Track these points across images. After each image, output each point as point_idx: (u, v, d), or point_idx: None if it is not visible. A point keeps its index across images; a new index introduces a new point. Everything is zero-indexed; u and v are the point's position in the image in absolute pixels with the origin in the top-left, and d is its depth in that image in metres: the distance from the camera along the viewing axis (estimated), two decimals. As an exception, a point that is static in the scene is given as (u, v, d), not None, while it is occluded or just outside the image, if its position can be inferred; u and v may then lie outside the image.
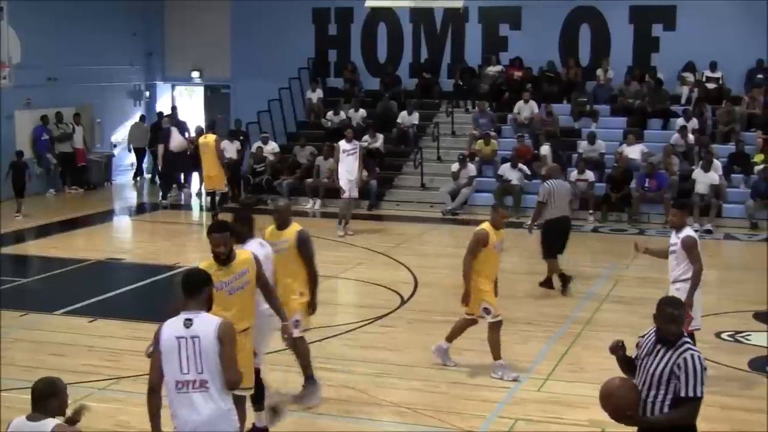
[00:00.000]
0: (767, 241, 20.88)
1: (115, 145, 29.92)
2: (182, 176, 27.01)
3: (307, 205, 24.43)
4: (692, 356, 6.25)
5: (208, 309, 6.47)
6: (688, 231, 10.81)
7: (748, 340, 12.92)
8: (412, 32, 29.56)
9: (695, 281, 10.56)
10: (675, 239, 10.77)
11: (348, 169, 20.65)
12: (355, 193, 21.00)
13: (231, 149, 25.53)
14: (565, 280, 15.36)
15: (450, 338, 11.55)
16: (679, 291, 10.40)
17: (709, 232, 21.58)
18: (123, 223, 24.44)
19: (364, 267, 17.58)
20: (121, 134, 29.96)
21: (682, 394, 6.20)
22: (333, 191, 23.04)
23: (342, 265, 17.32)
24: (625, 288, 15.81)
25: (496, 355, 11.09)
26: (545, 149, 24.34)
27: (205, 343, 6.23)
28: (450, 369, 11.31)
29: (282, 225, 10.04)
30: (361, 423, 9.69)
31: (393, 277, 16.69)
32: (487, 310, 11.14)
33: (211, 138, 21.87)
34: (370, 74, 29.75)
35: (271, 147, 26.26)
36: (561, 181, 16.52)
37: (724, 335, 13.00)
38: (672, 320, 6.37)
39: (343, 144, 20.93)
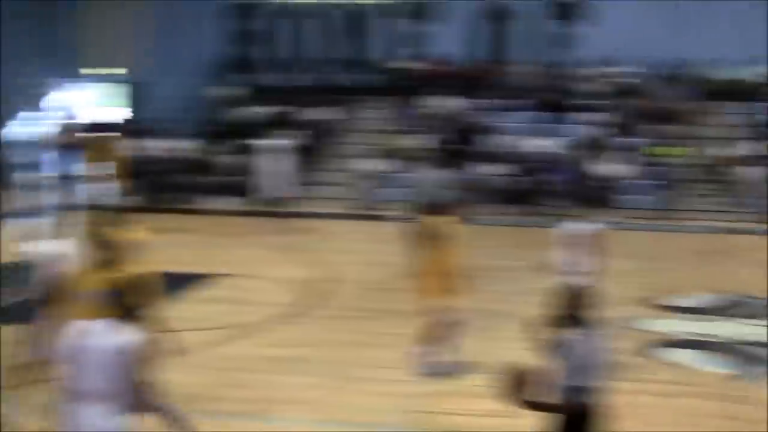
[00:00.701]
0: (668, 230, 21.42)
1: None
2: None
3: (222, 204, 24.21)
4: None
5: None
6: (585, 225, 11.38)
7: (644, 327, 13.34)
8: (337, 28, 29.77)
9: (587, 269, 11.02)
10: (573, 233, 11.33)
11: (274, 168, 20.50)
12: (289, 189, 20.93)
13: (152, 147, 25.35)
14: None
15: (434, 352, 11.04)
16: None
17: (615, 223, 22.00)
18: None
19: (278, 264, 17.59)
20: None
21: None
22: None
23: (253, 262, 17.31)
24: (536, 279, 16.14)
25: (434, 352, 10.96)
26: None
27: (119, 355, 6.00)
28: (365, 365, 11.38)
29: None
30: (271, 422, 9.66)
31: (304, 273, 16.61)
32: (437, 308, 10.84)
33: None
34: (297, 72, 29.71)
35: (189, 145, 26.05)
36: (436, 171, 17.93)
37: (622, 323, 13.32)
38: None
39: (271, 142, 20.46)
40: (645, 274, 17.01)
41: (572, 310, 6.71)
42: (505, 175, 23.89)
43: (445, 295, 10.76)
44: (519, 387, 6.66)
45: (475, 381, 10.73)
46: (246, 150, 25.49)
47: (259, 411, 9.94)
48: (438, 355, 10.89)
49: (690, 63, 26.95)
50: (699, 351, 12.20)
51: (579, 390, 6.61)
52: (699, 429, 9.41)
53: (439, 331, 10.84)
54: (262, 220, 22.30)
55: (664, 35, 26.88)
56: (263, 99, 27.80)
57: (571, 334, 6.59)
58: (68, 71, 31.34)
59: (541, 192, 23.39)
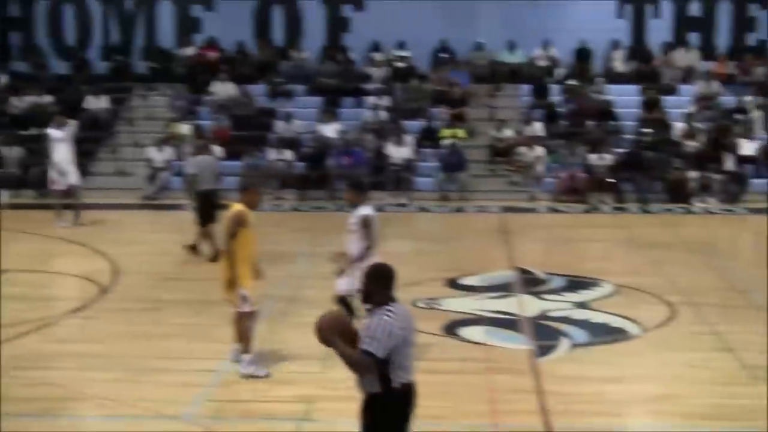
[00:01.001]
0: (458, 211, 21.95)
1: None
2: None
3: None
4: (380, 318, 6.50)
5: None
6: (365, 209, 10.91)
7: (441, 306, 13.52)
8: (101, 12, 28.82)
9: (362, 254, 10.76)
10: (353, 218, 10.92)
11: (60, 158, 19.76)
12: (74, 179, 19.96)
13: None
14: (194, 247, 16.55)
15: (246, 348, 10.51)
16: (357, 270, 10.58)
17: (403, 205, 22.43)
18: None
19: (60, 258, 17.08)
20: None
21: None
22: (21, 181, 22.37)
23: (36, 257, 16.75)
24: (326, 264, 16.11)
25: (246, 348, 10.44)
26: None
27: None
28: (155, 357, 11.17)
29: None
30: (63, 419, 9.43)
31: (91, 266, 16.30)
32: (244, 298, 10.38)
33: None
34: (59, 57, 28.81)
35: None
36: (209, 157, 17.50)
37: (419, 303, 13.53)
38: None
39: (53, 131, 19.94)
40: (437, 254, 17.32)
41: (373, 291, 6.66)
42: (292, 160, 23.81)
43: (251, 283, 10.49)
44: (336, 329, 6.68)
45: (277, 368, 10.69)
46: (24, 140, 24.62)
47: (49, 409, 9.62)
48: (244, 346, 10.61)
49: (477, 47, 27.61)
50: (492, 327, 12.45)
51: (397, 369, 6.64)
52: (494, 404, 9.58)
53: (248, 321, 10.57)
54: (46, 212, 21.50)
55: (431, 19, 27.39)
56: (37, 88, 26.76)
57: (378, 313, 6.53)
58: None
59: (329, 177, 23.44)
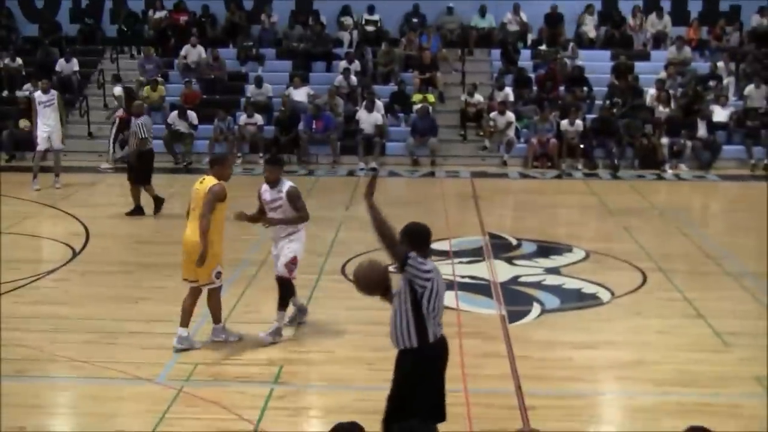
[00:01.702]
0: (429, 176, 22.01)
1: None
2: None
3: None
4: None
5: None
6: (288, 183, 10.61)
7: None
8: (71, -24, 28.60)
9: (295, 222, 10.65)
10: (276, 195, 10.56)
11: (45, 120, 19.69)
12: (58, 144, 19.91)
13: None
14: (160, 202, 17.29)
15: (185, 323, 10.26)
16: (294, 242, 10.61)
17: (374, 170, 22.42)
18: None
19: (32, 221, 16.99)
20: None
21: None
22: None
23: (8, 219, 16.65)
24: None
25: (218, 319, 10.45)
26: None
27: None
28: (127, 320, 11.17)
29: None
30: (36, 381, 9.45)
31: (63, 229, 16.26)
32: (219, 275, 10.20)
33: None
34: (28, 20, 28.53)
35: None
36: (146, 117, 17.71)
37: (390, 268, 13.53)
38: None
39: (38, 95, 19.92)
40: (408, 219, 17.20)
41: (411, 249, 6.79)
42: (263, 124, 23.76)
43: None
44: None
45: (249, 331, 10.73)
46: (3, 103, 24.49)
47: (22, 370, 9.64)
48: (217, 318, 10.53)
49: (448, 11, 27.59)
50: (464, 292, 12.51)
51: (432, 323, 6.78)
52: (466, 369, 9.65)
53: (218, 294, 10.45)
54: (19, 174, 21.41)
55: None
56: (11, 50, 26.54)
57: None
58: None
59: (300, 141, 23.41)
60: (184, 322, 10.23)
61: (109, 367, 9.64)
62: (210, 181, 10.06)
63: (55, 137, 19.79)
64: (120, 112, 22.03)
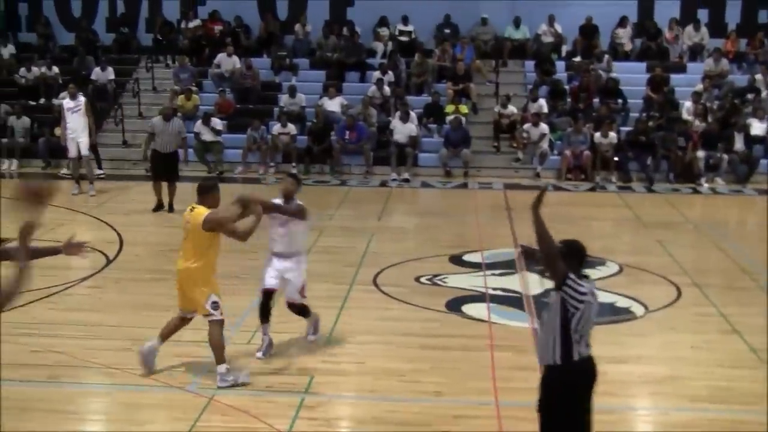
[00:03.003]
0: (462, 187, 21.97)
1: None
2: None
3: (2, 166, 23.38)
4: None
5: None
6: (298, 201, 10.49)
7: (444, 282, 13.54)
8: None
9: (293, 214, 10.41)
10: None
11: (72, 126, 19.85)
12: (85, 150, 20.08)
13: None
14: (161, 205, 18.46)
15: (221, 358, 9.66)
16: (302, 265, 10.60)
17: (406, 181, 22.45)
18: None
19: (66, 227, 17.06)
20: None
21: None
22: (29, 151, 22.54)
23: (43, 226, 16.70)
24: (329, 238, 16.16)
25: (221, 359, 9.59)
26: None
27: None
28: (159, 327, 11.15)
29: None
30: (69, 387, 9.48)
31: (97, 236, 16.32)
32: (215, 305, 9.58)
33: None
34: (65, 29, 28.75)
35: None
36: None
37: (423, 279, 13.56)
38: None
39: (66, 101, 20.09)
40: (441, 231, 17.32)
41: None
42: (296, 134, 23.80)
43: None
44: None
45: (280, 341, 10.73)
46: (31, 111, 24.64)
47: (55, 376, 9.70)
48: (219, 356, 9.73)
49: (482, 22, 27.56)
50: (496, 305, 12.46)
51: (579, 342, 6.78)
52: (497, 382, 9.61)
53: (221, 328, 9.69)
54: (61, 182, 21.59)
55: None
56: (48, 58, 26.77)
57: None
58: None
59: (333, 151, 23.42)
60: (220, 359, 9.63)
61: (141, 375, 9.66)
62: (201, 210, 9.43)
63: (82, 144, 19.89)
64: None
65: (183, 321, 9.96)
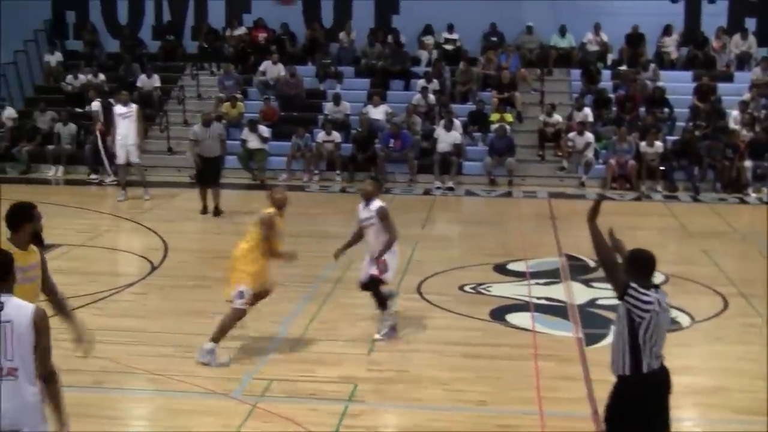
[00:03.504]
0: (506, 195, 21.90)
1: None
2: None
3: (49, 173, 23.60)
4: None
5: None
6: (378, 202, 11.02)
7: (489, 291, 13.48)
8: (154, -7, 29.04)
9: (388, 246, 10.92)
10: (367, 213, 11.03)
11: (122, 133, 20.04)
12: (134, 157, 20.32)
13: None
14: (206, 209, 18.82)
15: (219, 338, 10.30)
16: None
17: (450, 189, 22.40)
18: None
19: (112, 234, 17.23)
20: None
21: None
22: (75, 157, 22.81)
23: (89, 232, 16.90)
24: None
25: (217, 338, 10.19)
26: (95, 105, 23.68)
27: (19, 329, 5.77)
28: (204, 334, 11.22)
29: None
30: (113, 393, 9.54)
31: (142, 243, 16.47)
32: (240, 294, 10.17)
33: None
34: (111, 36, 29.01)
35: (9, 113, 25.18)
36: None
37: (467, 287, 13.52)
38: None
39: (117, 107, 20.28)
40: (485, 239, 17.27)
41: (634, 276, 6.69)
42: (340, 142, 23.84)
43: None
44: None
45: (324, 348, 10.75)
46: (77, 117, 24.87)
47: (101, 382, 9.73)
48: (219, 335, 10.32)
49: (527, 30, 27.49)
50: (540, 314, 12.39)
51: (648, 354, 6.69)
52: (541, 391, 9.55)
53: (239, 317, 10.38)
54: (100, 188, 21.86)
55: (480, 2, 27.27)
56: (94, 65, 27.03)
57: None
58: None
59: (377, 159, 23.43)
60: (218, 337, 10.25)
61: (184, 381, 9.70)
62: (264, 210, 10.39)
63: (132, 150, 20.06)
64: (99, 126, 22.55)
65: (260, 296, 10.55)
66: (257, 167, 23.38)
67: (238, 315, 10.23)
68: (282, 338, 11.14)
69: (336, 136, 23.86)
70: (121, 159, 20.13)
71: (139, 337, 11.19)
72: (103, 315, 12.05)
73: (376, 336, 11.07)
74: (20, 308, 5.82)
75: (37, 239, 7.02)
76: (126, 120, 19.99)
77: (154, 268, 14.55)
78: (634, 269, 6.72)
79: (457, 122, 23.96)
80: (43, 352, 5.94)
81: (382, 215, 10.90)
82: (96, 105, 23.33)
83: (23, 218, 7.01)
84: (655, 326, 6.59)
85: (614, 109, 25.27)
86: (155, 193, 20.81)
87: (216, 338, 10.19)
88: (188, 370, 10.03)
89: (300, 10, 28.57)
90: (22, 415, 5.82)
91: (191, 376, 9.83)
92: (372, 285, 11.08)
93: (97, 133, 22.65)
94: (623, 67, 26.64)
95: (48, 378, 6.03)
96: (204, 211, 18.88)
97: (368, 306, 12.30)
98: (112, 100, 22.65)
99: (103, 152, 22.72)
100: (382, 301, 11.13)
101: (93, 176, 23.04)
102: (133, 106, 20.34)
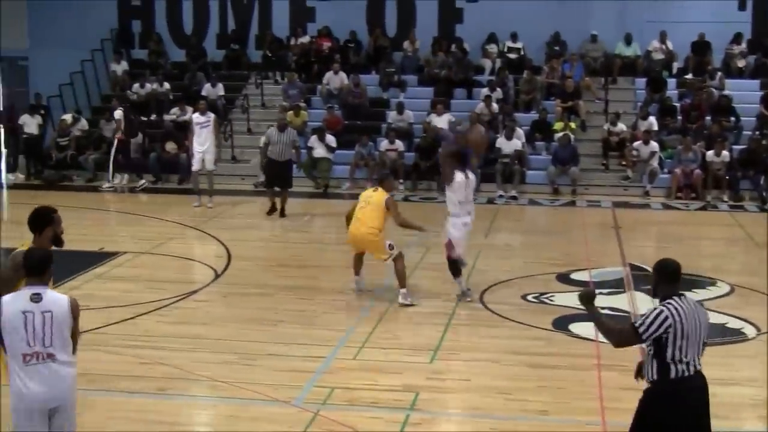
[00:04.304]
0: (569, 205, 21.75)
1: None
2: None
3: (114, 181, 23.89)
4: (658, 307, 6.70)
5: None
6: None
7: (551, 300, 13.40)
8: (218, 2, 29.24)
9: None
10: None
11: (200, 141, 20.37)
12: (211, 165, 20.65)
13: (32, 124, 24.88)
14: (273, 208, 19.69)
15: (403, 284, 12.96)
16: (448, 226, 13.12)
17: (513, 198, 22.31)
18: None
19: (177, 242, 17.39)
20: None
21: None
22: (141, 166, 23.14)
23: (153, 240, 17.08)
24: (436, 255, 16.11)
25: (403, 283, 12.96)
26: (118, 113, 24.04)
27: (59, 317, 6.51)
28: (266, 342, 11.29)
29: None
30: (176, 399, 9.62)
31: (206, 251, 16.60)
32: (391, 246, 13.01)
33: None
34: (176, 45, 29.31)
35: (82, 124, 25.51)
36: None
37: (529, 297, 13.45)
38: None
39: (195, 116, 20.58)
40: (548, 249, 17.14)
41: (659, 284, 6.90)
42: (403, 150, 23.84)
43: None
44: None
45: (386, 357, 10.76)
46: (143, 126, 25.19)
47: (164, 388, 9.83)
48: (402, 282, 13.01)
49: (592, 39, 27.31)
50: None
51: (675, 360, 6.75)
52: (604, 401, 9.47)
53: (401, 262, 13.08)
54: (165, 196, 22.17)
55: (545, 10, 27.15)
56: (159, 74, 27.35)
57: (661, 304, 6.78)
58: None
59: (439, 168, 23.36)
60: (402, 284, 12.94)
61: (247, 388, 9.74)
62: (382, 193, 13.10)
63: (209, 159, 20.37)
64: (119, 134, 22.83)
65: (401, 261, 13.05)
66: (321, 176, 23.45)
67: (400, 259, 12.93)
68: (344, 346, 11.15)
69: (399, 144, 23.87)
70: (195, 166, 20.44)
71: (201, 344, 11.27)
72: (167, 322, 12.18)
73: (456, 295, 13.12)
74: (57, 298, 6.60)
75: (57, 242, 7.47)
76: (204, 129, 20.31)
77: (217, 276, 14.66)
78: (660, 279, 6.85)
79: (519, 131, 23.86)
80: (75, 337, 6.71)
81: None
82: (119, 113, 23.66)
83: (45, 222, 7.45)
84: (681, 334, 6.65)
85: (679, 118, 24.98)
86: (219, 201, 20.96)
87: (403, 284, 12.92)
88: (250, 377, 10.07)
89: (364, 20, 28.63)
90: (62, 392, 6.60)
91: (253, 383, 9.87)
92: (449, 260, 13.18)
93: (115, 141, 23.09)
94: (689, 76, 26.33)
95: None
96: (272, 210, 19.62)
97: (430, 315, 12.34)
98: (189, 109, 23.16)
99: (112, 159, 23.37)
100: (454, 271, 13.12)
101: (107, 185, 23.42)
102: (211, 115, 20.66)
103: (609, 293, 13.79)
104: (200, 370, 10.28)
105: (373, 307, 12.84)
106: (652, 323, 6.61)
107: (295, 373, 10.23)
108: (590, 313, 7.10)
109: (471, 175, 13.10)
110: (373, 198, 13.04)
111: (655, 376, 6.72)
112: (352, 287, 13.51)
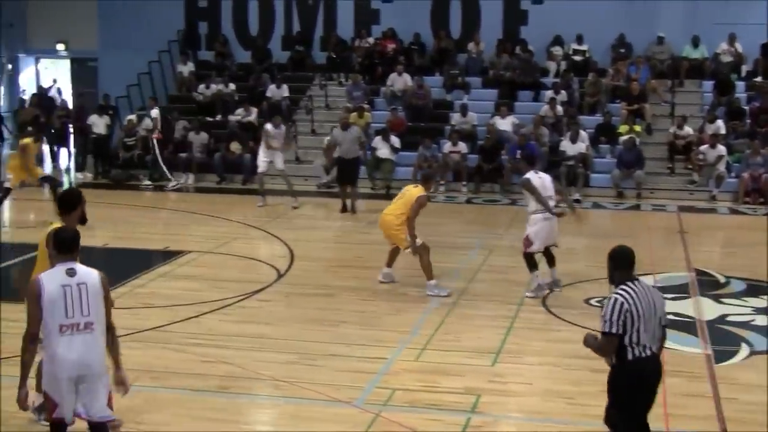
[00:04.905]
0: (634, 209, 21.53)
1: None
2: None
3: (180, 180, 24.13)
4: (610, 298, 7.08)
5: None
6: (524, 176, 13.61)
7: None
8: (284, 4, 29.40)
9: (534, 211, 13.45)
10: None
11: (269, 152, 20.78)
12: (280, 165, 20.97)
13: (100, 124, 25.22)
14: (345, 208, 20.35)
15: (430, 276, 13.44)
16: (528, 224, 13.60)
17: (577, 201, 22.12)
18: None
19: (240, 242, 17.49)
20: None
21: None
22: (205, 166, 23.38)
23: (217, 240, 17.20)
24: (498, 257, 16.08)
25: (430, 276, 13.42)
26: (155, 112, 24.93)
27: (93, 289, 6.85)
28: (328, 342, 11.31)
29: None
30: (239, 398, 9.67)
31: (269, 251, 16.68)
32: (415, 237, 13.39)
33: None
34: (242, 47, 29.53)
35: (146, 124, 25.80)
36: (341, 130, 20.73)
37: (592, 301, 13.33)
38: None
39: (270, 128, 20.86)
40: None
41: (613, 272, 7.39)
42: (467, 152, 23.80)
43: None
44: None
45: (447, 359, 10.73)
46: (209, 126, 25.43)
47: (226, 387, 9.88)
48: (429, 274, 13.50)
49: (658, 41, 27.03)
50: (669, 329, 12.08)
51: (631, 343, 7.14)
52: (669, 408, 9.35)
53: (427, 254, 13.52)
54: (229, 196, 22.41)
55: (610, 12, 26.92)
56: (225, 76, 27.59)
57: (613, 293, 7.21)
58: (16, 46, 30.80)
59: (503, 170, 23.31)
60: (429, 276, 13.41)
61: (309, 388, 9.76)
62: (419, 190, 13.50)
63: (278, 160, 20.61)
64: (156, 134, 23.53)
65: (427, 253, 13.46)
66: (383, 176, 23.49)
67: (426, 252, 13.36)
68: (405, 348, 11.14)
69: (462, 146, 23.83)
70: (261, 168, 20.62)
71: (264, 343, 11.33)
72: (229, 321, 12.26)
73: (527, 294, 13.30)
74: (89, 272, 6.94)
75: (83, 220, 8.34)
76: (275, 140, 20.58)
77: (280, 276, 14.72)
78: (615, 266, 7.33)
79: (583, 134, 23.68)
80: (108, 307, 7.03)
81: (525, 187, 13.57)
82: (155, 113, 23.88)
83: (76, 203, 8.01)
84: (636, 318, 7.04)
85: (748, 121, 24.65)
86: (282, 201, 21.07)
87: (430, 276, 13.38)
88: (312, 377, 10.10)
89: (428, 22, 28.61)
90: (101, 361, 6.95)
91: (315, 383, 9.89)
92: (524, 255, 13.48)
93: (154, 141, 23.39)
94: (758, 79, 25.96)
95: (110, 329, 7.09)
96: (344, 209, 20.25)
97: (492, 318, 12.28)
98: (254, 110, 23.55)
99: (160, 159, 23.91)
100: (530, 267, 13.38)
101: (147, 182, 23.86)
102: (283, 128, 21.17)
103: (674, 298, 13.62)
104: (262, 370, 10.33)
105: (435, 310, 12.81)
106: (612, 315, 7.01)
107: (357, 374, 10.24)
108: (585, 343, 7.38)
109: (542, 174, 13.71)
110: (410, 191, 13.59)
111: (613, 360, 7.19)
112: (380, 279, 14.07)
